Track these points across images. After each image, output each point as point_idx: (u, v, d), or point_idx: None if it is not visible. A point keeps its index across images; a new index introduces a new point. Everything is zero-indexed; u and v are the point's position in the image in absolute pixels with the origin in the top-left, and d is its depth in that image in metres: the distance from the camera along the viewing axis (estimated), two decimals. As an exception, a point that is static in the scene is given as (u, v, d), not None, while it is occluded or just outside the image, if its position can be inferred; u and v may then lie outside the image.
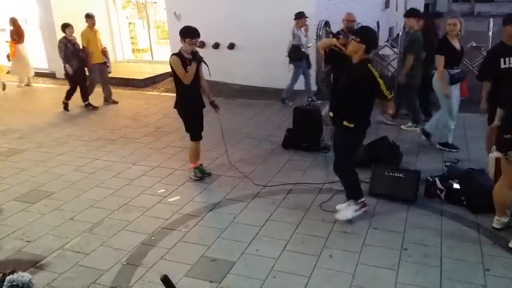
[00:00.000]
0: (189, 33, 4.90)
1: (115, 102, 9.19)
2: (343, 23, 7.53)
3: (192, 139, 5.30)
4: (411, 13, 6.88)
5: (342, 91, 4.00)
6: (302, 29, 8.27)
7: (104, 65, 8.95)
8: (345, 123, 4.01)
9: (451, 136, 5.98)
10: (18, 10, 12.29)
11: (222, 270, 3.63)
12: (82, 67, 8.57)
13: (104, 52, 8.98)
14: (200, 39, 5.08)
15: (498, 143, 3.93)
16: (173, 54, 4.99)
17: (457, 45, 5.78)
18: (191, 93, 5.11)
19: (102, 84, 9.11)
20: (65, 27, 8.38)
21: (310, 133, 6.17)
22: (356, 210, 4.26)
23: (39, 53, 12.09)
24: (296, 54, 8.26)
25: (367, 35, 3.96)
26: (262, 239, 4.08)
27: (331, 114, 4.28)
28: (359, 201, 4.33)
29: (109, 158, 6.16)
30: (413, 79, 6.70)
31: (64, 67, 8.43)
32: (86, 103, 8.76)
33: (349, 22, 7.44)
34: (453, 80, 5.65)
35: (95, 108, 8.72)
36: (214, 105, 5.26)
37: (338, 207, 4.41)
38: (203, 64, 5.10)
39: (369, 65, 3.89)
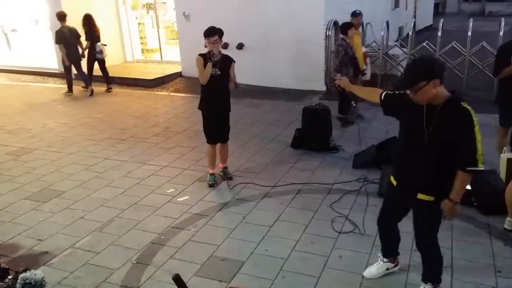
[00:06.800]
0: (206, 32, 4.83)
1: (361, 116, 7.45)
2: None
3: (207, 141, 5.28)
4: (58, 15, 9.54)
5: None
6: None
7: (360, 73, 7.48)
8: None
9: None
10: (28, 11, 12.41)
11: (231, 270, 3.63)
12: (356, 77, 7.16)
13: (365, 57, 7.72)
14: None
15: None
16: (199, 54, 4.95)
17: None
18: (209, 94, 5.03)
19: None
20: (349, 27, 7.00)
21: (319, 133, 6.16)
22: None
23: (49, 54, 12.18)
24: None
25: None
26: (271, 239, 4.08)
27: None
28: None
29: (118, 157, 6.20)
30: (69, 57, 9.52)
31: (335, 75, 6.90)
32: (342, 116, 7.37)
33: None
34: None
35: (351, 123, 7.23)
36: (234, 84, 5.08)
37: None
38: (234, 65, 4.99)
39: None
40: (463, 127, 2.66)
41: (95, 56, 9.87)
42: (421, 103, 2.74)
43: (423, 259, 3.20)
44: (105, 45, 10.00)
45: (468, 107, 2.68)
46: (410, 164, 2.93)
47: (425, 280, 3.22)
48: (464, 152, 2.69)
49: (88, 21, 9.74)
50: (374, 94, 3.21)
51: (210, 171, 5.31)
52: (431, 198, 2.87)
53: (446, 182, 2.81)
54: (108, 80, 10.24)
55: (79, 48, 9.77)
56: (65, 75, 9.98)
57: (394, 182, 3.09)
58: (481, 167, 2.67)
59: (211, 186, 5.22)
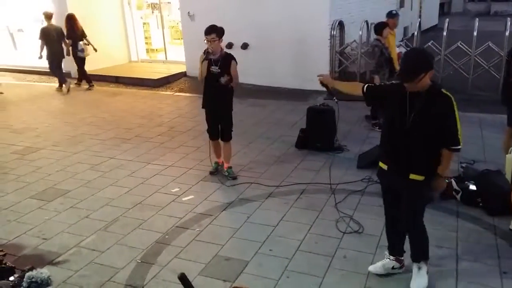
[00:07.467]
0: (205, 30, 4.90)
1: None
2: None
3: (209, 137, 5.46)
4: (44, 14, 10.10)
5: None
6: None
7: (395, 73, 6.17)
8: None
9: None
10: (34, 11, 12.45)
11: (235, 270, 3.64)
12: (391, 77, 6.57)
13: (399, 58, 7.10)
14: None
15: None
16: (203, 52, 5.05)
17: None
18: (209, 92, 5.17)
19: None
20: (383, 27, 6.76)
21: (323, 133, 6.15)
22: (427, 272, 3.38)
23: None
24: None
25: None
26: (275, 239, 4.08)
27: None
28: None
29: (123, 157, 6.21)
30: (50, 53, 10.02)
31: (373, 78, 6.75)
32: (375, 122, 7.03)
33: None
34: None
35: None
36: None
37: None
38: (233, 64, 5.03)
39: None
40: (447, 111, 2.94)
41: (77, 54, 10.25)
42: (414, 90, 2.98)
43: (412, 240, 3.36)
44: (88, 44, 10.38)
45: (448, 93, 2.97)
46: (398, 148, 3.13)
47: (417, 259, 3.34)
48: (449, 133, 2.96)
49: (69, 20, 10.18)
50: (357, 88, 3.45)
51: (215, 160, 5.53)
52: (422, 178, 3.10)
53: (433, 162, 3.07)
54: (85, 79, 10.60)
55: (64, 47, 10.22)
56: (55, 73, 10.44)
57: (385, 166, 3.27)
58: (461, 146, 2.99)
59: (211, 173, 5.44)
